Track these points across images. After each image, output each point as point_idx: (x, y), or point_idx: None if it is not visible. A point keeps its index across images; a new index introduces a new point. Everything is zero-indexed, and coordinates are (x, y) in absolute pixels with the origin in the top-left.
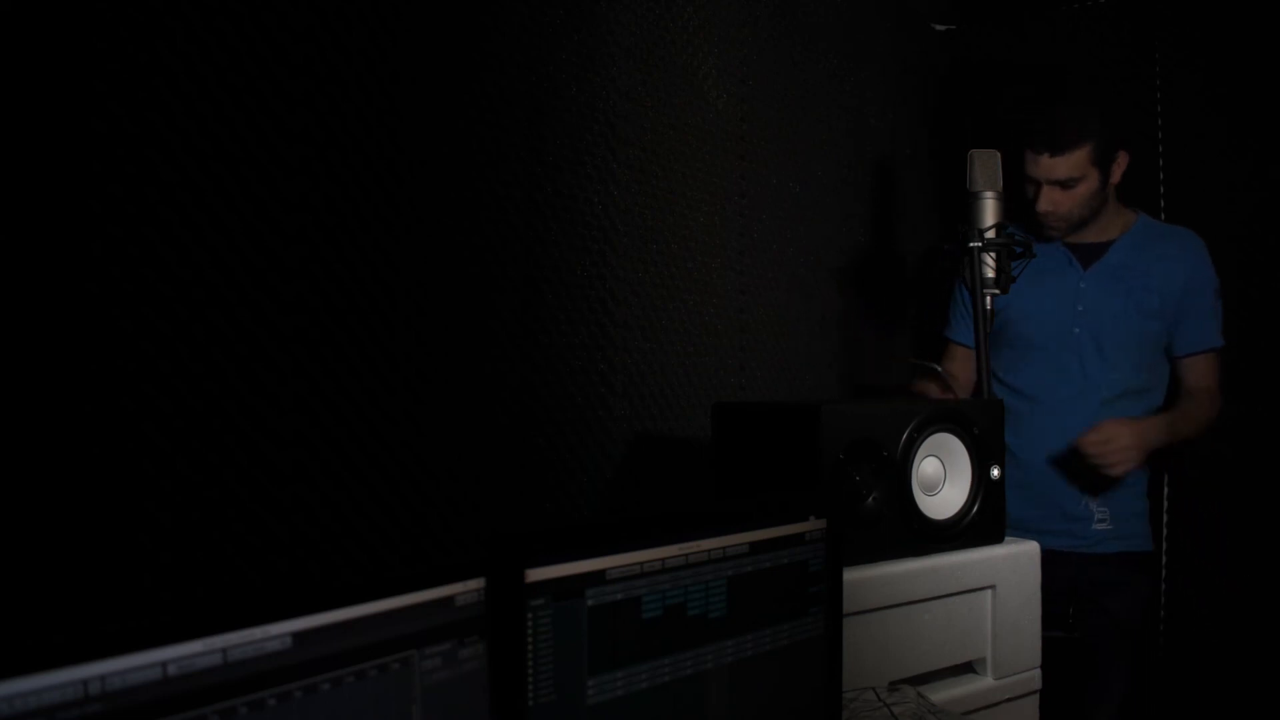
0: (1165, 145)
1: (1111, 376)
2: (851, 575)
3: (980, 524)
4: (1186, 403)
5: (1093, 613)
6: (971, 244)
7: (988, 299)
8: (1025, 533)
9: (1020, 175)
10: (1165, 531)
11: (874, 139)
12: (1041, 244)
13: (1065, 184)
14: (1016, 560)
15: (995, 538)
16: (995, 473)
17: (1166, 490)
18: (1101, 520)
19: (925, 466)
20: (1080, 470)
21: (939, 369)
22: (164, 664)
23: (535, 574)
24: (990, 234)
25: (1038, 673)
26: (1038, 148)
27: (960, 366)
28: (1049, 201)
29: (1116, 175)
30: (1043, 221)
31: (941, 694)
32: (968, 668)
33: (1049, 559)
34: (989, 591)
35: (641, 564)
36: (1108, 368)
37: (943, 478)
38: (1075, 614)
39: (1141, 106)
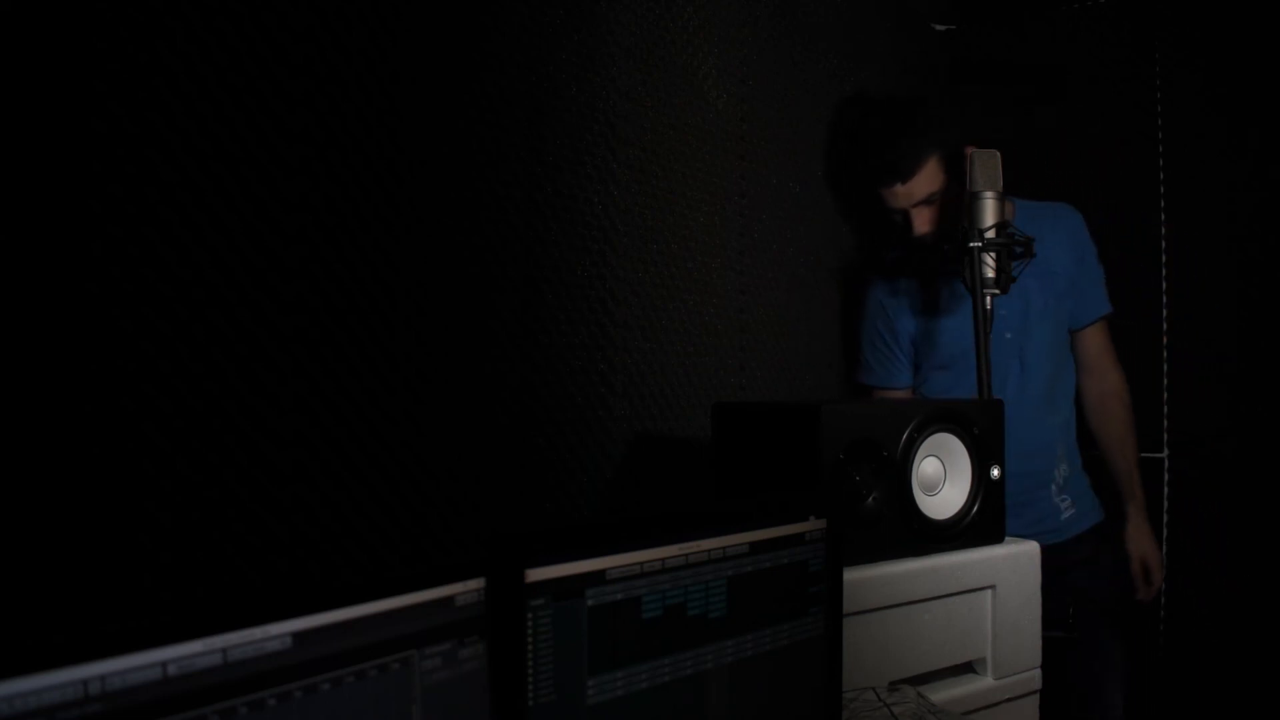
0: (1165, 145)
1: (1039, 373)
2: (851, 575)
3: (980, 524)
4: (1114, 437)
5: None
6: (971, 244)
7: (988, 299)
8: None
9: (887, 215)
10: (1165, 532)
11: (874, 138)
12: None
13: (928, 201)
14: (1016, 560)
15: (995, 538)
16: (995, 473)
17: (1166, 490)
18: (1068, 507)
19: (925, 466)
20: (1047, 469)
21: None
22: (164, 664)
23: (535, 574)
24: (990, 234)
25: (1038, 673)
26: (888, 180)
27: None
28: (922, 222)
29: None
30: (926, 243)
31: (941, 694)
32: (968, 668)
33: None
34: (989, 591)
35: (641, 564)
36: (1035, 364)
37: (943, 478)
38: (1075, 614)
39: (1141, 106)
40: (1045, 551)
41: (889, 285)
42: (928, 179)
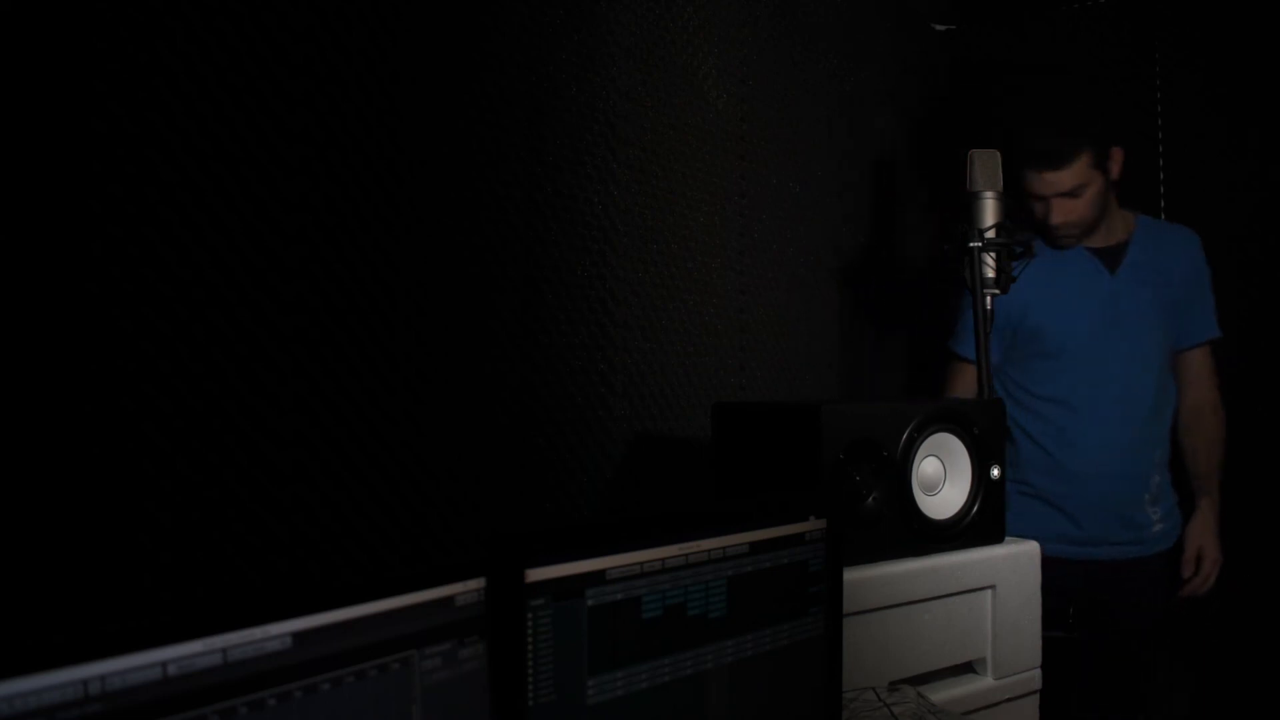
0: (1165, 145)
1: (1147, 377)
2: (851, 575)
3: (980, 524)
4: (1202, 442)
5: (1116, 614)
6: (971, 244)
7: (988, 299)
8: (1086, 547)
9: (1021, 191)
10: None
11: (874, 139)
12: (1060, 251)
13: (1073, 193)
14: (1016, 560)
15: (995, 538)
16: (995, 473)
17: None
18: (1158, 521)
19: (925, 466)
20: (1144, 476)
21: None
22: (164, 664)
23: (535, 574)
24: (990, 234)
25: (1038, 673)
26: (1040, 165)
27: (973, 383)
28: (1062, 213)
29: (1115, 171)
30: (1058, 232)
31: (941, 694)
32: (968, 668)
33: (1112, 570)
34: (989, 591)
35: (641, 564)
36: (1144, 368)
37: (943, 478)
38: (1075, 614)
39: (1141, 106)
40: (1128, 565)
41: None
42: (1077, 172)
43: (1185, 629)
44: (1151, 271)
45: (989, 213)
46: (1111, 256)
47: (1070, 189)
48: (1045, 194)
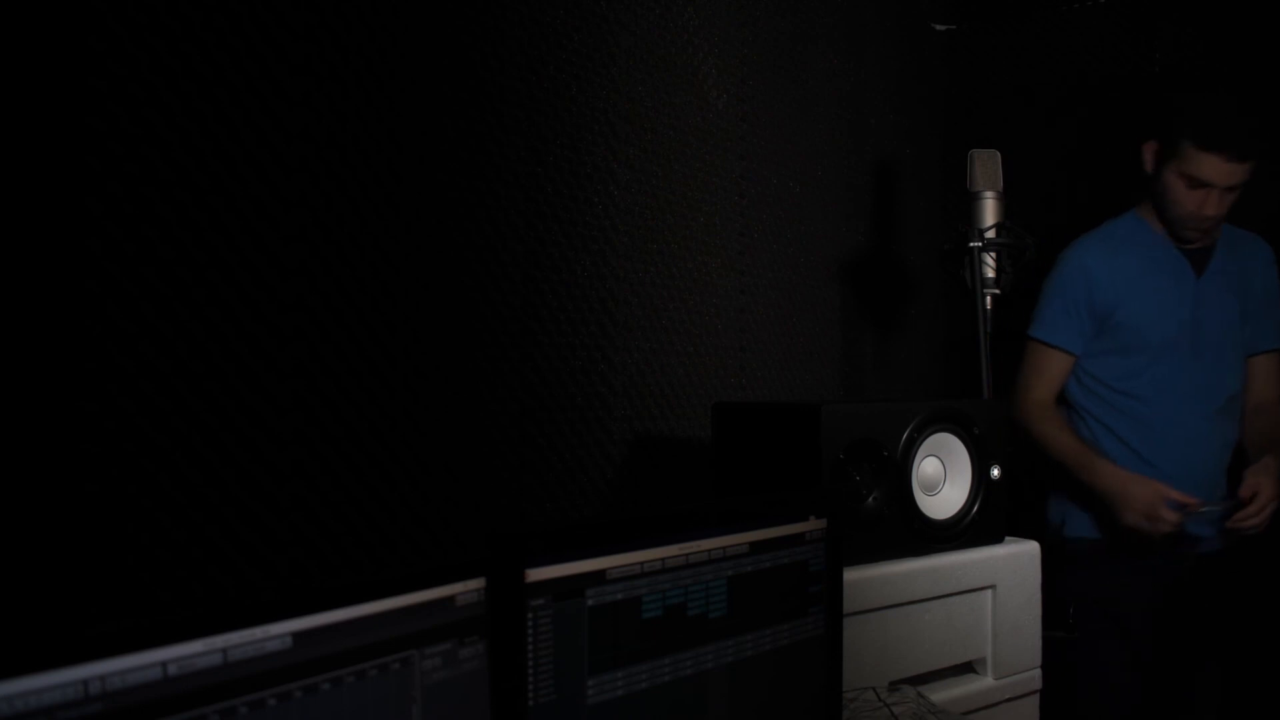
0: None
1: (1226, 379)
2: (851, 575)
3: (980, 524)
4: (1267, 426)
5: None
6: (972, 244)
7: (988, 299)
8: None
9: (1165, 169)
10: None
11: (874, 139)
12: (1153, 246)
13: (1234, 189)
14: (1016, 560)
15: (995, 538)
16: (995, 473)
17: None
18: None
19: (925, 466)
20: (1217, 474)
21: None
22: (164, 664)
23: (535, 574)
24: (990, 234)
25: (1038, 673)
26: (1229, 152)
27: (1057, 379)
28: (1215, 205)
29: None
30: (1198, 225)
31: (941, 694)
32: (968, 668)
33: (1194, 561)
34: (989, 591)
35: (642, 564)
36: (1221, 371)
37: (943, 478)
38: (1075, 614)
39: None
40: (1201, 560)
41: (1104, 248)
42: (1247, 170)
43: (1222, 630)
44: (1231, 278)
45: (989, 213)
46: (1199, 260)
47: (1235, 184)
48: (1216, 182)
